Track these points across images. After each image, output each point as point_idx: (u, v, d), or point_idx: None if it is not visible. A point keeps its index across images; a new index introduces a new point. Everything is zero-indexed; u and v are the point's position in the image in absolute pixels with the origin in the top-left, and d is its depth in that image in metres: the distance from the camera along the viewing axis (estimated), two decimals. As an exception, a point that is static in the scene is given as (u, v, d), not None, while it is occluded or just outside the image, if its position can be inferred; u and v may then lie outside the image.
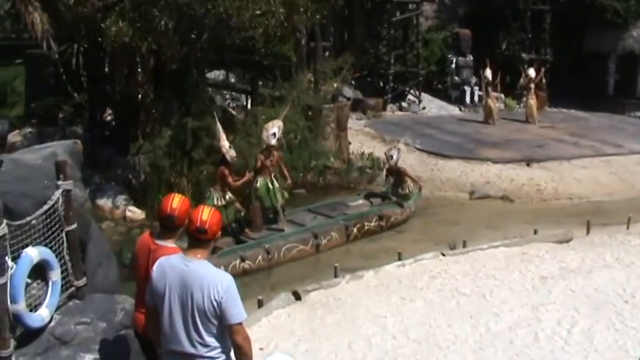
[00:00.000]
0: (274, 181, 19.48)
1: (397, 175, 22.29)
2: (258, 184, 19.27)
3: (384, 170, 23.17)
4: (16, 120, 29.50)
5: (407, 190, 22.18)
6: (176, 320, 6.51)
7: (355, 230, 20.22)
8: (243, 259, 17.50)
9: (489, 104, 34.44)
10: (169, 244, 7.52)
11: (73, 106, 29.03)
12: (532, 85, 34.89)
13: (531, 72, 35.32)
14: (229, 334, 6.50)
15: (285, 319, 13.17)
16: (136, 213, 22.37)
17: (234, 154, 18.72)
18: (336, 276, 15.57)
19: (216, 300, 6.35)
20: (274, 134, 19.32)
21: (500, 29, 41.74)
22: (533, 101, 34.90)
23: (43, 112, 28.81)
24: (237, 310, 6.44)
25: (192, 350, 6.50)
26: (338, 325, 12.73)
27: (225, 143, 18.58)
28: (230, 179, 18.43)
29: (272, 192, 19.30)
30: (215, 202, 18.11)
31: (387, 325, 12.67)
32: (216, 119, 19.37)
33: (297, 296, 14.19)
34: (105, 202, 22.74)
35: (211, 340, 6.50)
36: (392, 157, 22.09)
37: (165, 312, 6.55)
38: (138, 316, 7.76)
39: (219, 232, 6.79)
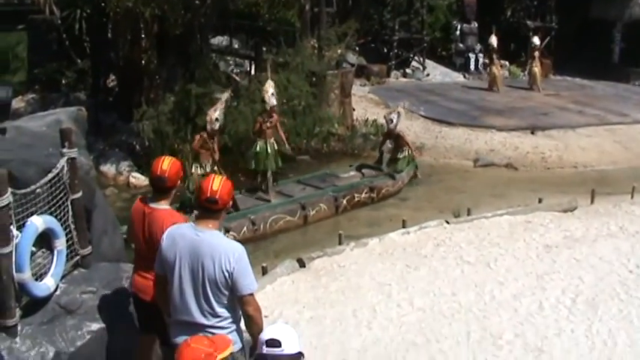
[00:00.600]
0: (274, 144, 19.48)
1: (396, 139, 22.25)
2: (258, 148, 19.29)
3: (382, 135, 23.32)
4: (19, 86, 29.43)
5: (406, 153, 22.12)
6: (186, 290, 6.47)
7: (345, 202, 19.93)
8: (227, 230, 17.04)
9: (494, 71, 34.32)
10: (163, 205, 7.55)
11: (76, 72, 29.01)
12: (536, 53, 34.68)
13: (535, 39, 35.13)
14: (240, 305, 6.47)
15: (290, 287, 13.17)
16: (139, 179, 22.34)
17: (215, 128, 18.44)
18: (340, 243, 15.59)
19: (227, 270, 6.32)
20: (273, 94, 19.37)
21: (506, -4, 41.56)
22: (537, 69, 34.73)
23: (45, 78, 28.76)
24: (248, 281, 6.40)
25: (202, 320, 6.46)
26: (342, 293, 12.73)
27: (213, 114, 18.34)
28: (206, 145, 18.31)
29: (270, 156, 19.30)
30: (194, 171, 18.20)
31: (391, 292, 12.67)
32: (229, 92, 19.29)
33: (302, 263, 14.19)
34: (108, 169, 22.74)
35: (222, 311, 6.46)
36: (392, 120, 22.09)
37: (176, 281, 6.51)
38: (136, 279, 7.79)
39: (230, 202, 6.78)
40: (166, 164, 7.48)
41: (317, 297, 12.61)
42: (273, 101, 19.37)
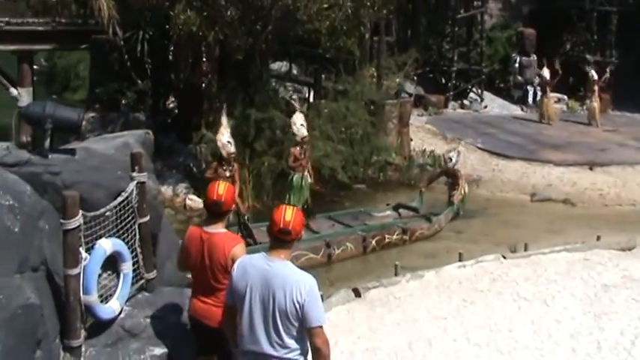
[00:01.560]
0: (307, 177, 19.12)
1: (453, 177, 21.77)
2: (294, 180, 18.97)
3: (439, 170, 23.06)
4: (79, 104, 29.72)
5: (461, 192, 21.57)
6: (256, 320, 6.48)
7: (374, 242, 19.22)
8: None
9: (545, 104, 34.22)
10: (220, 229, 7.66)
11: (136, 93, 29.27)
12: (595, 88, 34.45)
13: (593, 74, 34.93)
14: (309, 337, 6.46)
15: (345, 316, 13.12)
16: (196, 202, 22.43)
17: (232, 151, 17.93)
18: (396, 274, 15.49)
19: (298, 302, 6.32)
20: (303, 125, 19.03)
21: (565, 29, 41.34)
22: (596, 104, 34.52)
23: (106, 97, 29.03)
24: (318, 313, 6.40)
25: (270, 351, 6.46)
26: (398, 325, 12.65)
27: (222, 138, 17.98)
28: (221, 172, 17.64)
29: (303, 189, 18.93)
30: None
31: (447, 326, 12.57)
32: (224, 113, 19.09)
33: (357, 293, 14.13)
34: (165, 190, 22.84)
35: (291, 342, 6.46)
36: (451, 159, 21.73)
37: (246, 311, 6.51)
38: (196, 303, 7.84)
39: (303, 232, 6.78)
40: (222, 189, 7.63)
41: (372, 328, 12.55)
42: (304, 132, 18.96)
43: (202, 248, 7.61)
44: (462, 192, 21.58)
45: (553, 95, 35.90)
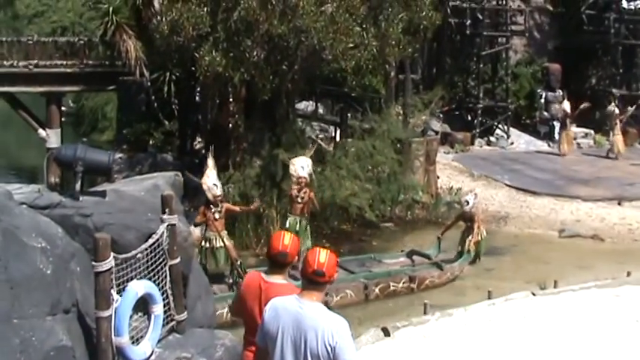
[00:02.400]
0: (305, 221, 18.86)
1: (470, 221, 20.93)
2: (288, 223, 18.80)
3: (455, 216, 22.20)
4: (107, 145, 29.95)
5: (478, 237, 20.74)
6: None
7: (377, 290, 18.80)
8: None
9: (565, 136, 34.94)
10: (281, 280, 7.53)
11: (163, 134, 29.47)
12: (617, 121, 34.58)
13: (612, 107, 35.22)
14: None
15: (374, 356, 13.05)
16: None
17: (218, 193, 18.11)
18: (425, 313, 15.41)
19: (330, 345, 6.26)
20: (302, 167, 18.84)
21: (591, 64, 41.30)
22: (619, 137, 34.66)
23: (133, 138, 29.23)
24: (350, 356, 6.32)
25: None
26: (429, 365, 12.60)
27: (208, 181, 18.08)
28: (209, 215, 18.09)
29: (300, 234, 18.11)
30: (208, 245, 18.21)
31: (478, 366, 12.51)
32: (210, 156, 19.11)
33: (387, 332, 14.05)
34: (193, 231, 22.86)
35: (322, 385, 6.41)
36: (467, 202, 21.00)
37: (277, 354, 6.47)
38: (247, 354, 7.75)
39: (336, 275, 6.72)
40: (288, 239, 7.44)
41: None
42: (302, 172, 18.77)
43: (259, 296, 7.52)
44: (480, 237, 20.81)
45: (579, 130, 36.02)
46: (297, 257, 7.65)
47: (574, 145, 36.00)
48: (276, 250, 7.40)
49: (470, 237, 20.61)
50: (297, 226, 18.61)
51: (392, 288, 19.07)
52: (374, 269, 19.89)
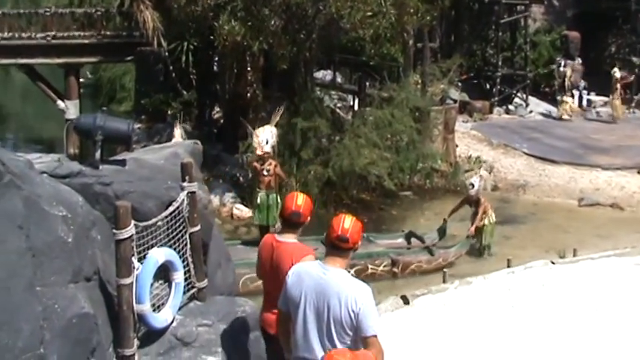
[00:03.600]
0: (276, 196, 18.32)
1: (476, 205, 19.89)
2: (258, 198, 18.39)
3: (461, 199, 20.89)
4: (125, 116, 29.93)
5: (482, 223, 19.65)
6: (310, 328, 6.46)
7: (352, 272, 15.87)
8: None
9: (615, 103, 35.05)
10: (292, 239, 7.67)
11: (181, 104, 29.46)
12: (618, 86, 35.14)
13: (617, 72, 35.38)
14: (363, 346, 6.36)
15: (394, 324, 13.07)
16: (243, 211, 22.52)
17: (266, 150, 17.99)
18: (444, 281, 15.42)
19: (353, 311, 6.27)
20: (266, 141, 18.15)
21: (610, 32, 41.03)
22: (617, 101, 35.32)
23: (151, 108, 29.24)
24: (373, 322, 6.34)
25: None
26: (447, 332, 12.59)
27: (261, 134, 18.00)
28: (258, 168, 18.14)
29: (271, 208, 18.13)
30: (258, 202, 18.14)
31: (496, 334, 12.49)
32: (277, 113, 19.06)
33: (406, 301, 14.07)
34: (212, 200, 22.90)
35: (344, 351, 6.41)
36: (472, 185, 19.92)
37: (300, 319, 6.51)
38: (266, 315, 7.86)
39: (360, 241, 6.71)
40: (301, 200, 7.71)
41: (421, 336, 12.51)
42: (266, 148, 18.22)
43: (271, 256, 7.66)
44: (488, 221, 19.80)
45: (598, 98, 36.23)
46: (309, 218, 7.75)
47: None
48: (289, 209, 7.63)
49: (483, 219, 19.72)
50: (268, 200, 18.22)
51: (370, 271, 17.92)
52: (363, 250, 18.11)
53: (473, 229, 19.55)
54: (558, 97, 36.94)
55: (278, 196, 18.17)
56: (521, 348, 11.93)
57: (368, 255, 18.14)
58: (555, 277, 15.38)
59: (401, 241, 19.86)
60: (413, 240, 19.73)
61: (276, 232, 7.98)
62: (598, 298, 14.12)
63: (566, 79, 36.23)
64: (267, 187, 18.31)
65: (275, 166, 18.46)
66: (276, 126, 18.92)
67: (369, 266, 17.98)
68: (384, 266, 18.24)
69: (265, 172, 18.26)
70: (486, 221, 19.71)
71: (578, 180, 26.07)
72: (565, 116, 35.65)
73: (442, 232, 19.99)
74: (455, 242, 19.69)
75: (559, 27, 41.26)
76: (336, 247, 6.52)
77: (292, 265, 7.07)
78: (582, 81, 38.03)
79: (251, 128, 19.53)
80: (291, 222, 7.67)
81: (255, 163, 18.55)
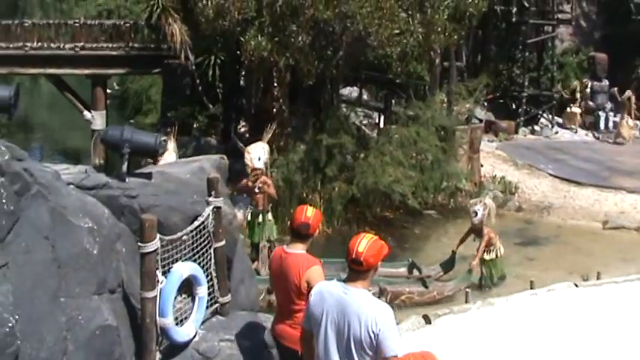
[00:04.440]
0: (267, 213, 18.26)
1: (479, 236, 18.75)
2: (250, 215, 18.33)
3: (468, 229, 19.59)
4: (151, 128, 30.07)
5: (493, 255, 18.62)
6: (331, 347, 6.45)
7: None
8: None
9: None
10: (300, 250, 7.71)
11: (207, 117, 29.58)
12: (628, 104, 35.26)
13: (629, 94, 35.58)
14: None
15: (416, 343, 13.03)
16: (267, 227, 22.51)
17: (256, 166, 17.92)
18: (467, 301, 15.38)
19: (373, 331, 6.25)
20: (258, 157, 18.01)
21: (638, 54, 40.83)
22: (625, 122, 35.35)
23: (177, 121, 29.34)
24: (393, 343, 6.30)
25: None
26: (468, 353, 12.56)
27: (252, 150, 17.96)
28: (249, 185, 18.06)
29: (261, 226, 18.09)
30: (249, 218, 18.08)
31: (519, 356, 12.45)
32: (267, 132, 18.94)
33: (428, 320, 14.04)
34: (236, 215, 22.93)
35: (364, 370, 6.40)
36: (475, 213, 18.75)
37: (321, 337, 6.50)
38: (277, 326, 7.94)
39: (379, 263, 6.58)
40: (310, 212, 7.75)
41: (443, 356, 12.46)
42: (257, 164, 18.08)
43: (280, 267, 7.71)
44: (496, 254, 18.66)
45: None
46: (318, 230, 7.86)
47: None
48: (298, 220, 7.67)
49: (490, 251, 18.65)
50: (259, 218, 18.17)
51: None
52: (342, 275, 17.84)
53: (474, 262, 18.52)
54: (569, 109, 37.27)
55: (269, 214, 18.33)
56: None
57: None
58: (578, 300, 15.30)
59: (403, 270, 19.03)
60: (415, 271, 18.89)
61: (284, 244, 7.97)
62: (621, 322, 14.04)
63: (577, 93, 36.53)
64: (259, 205, 18.24)
65: (266, 183, 18.28)
66: (269, 143, 18.87)
67: None
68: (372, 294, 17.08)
69: (257, 190, 18.17)
70: (492, 254, 18.66)
71: (602, 202, 25.92)
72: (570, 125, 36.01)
73: (451, 263, 19.28)
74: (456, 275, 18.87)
75: (586, 48, 41.17)
76: (353, 270, 6.48)
77: (300, 275, 7.32)
78: (608, 102, 37.91)
79: (242, 145, 19.50)
80: (300, 233, 7.71)
81: (247, 180, 18.37)
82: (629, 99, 35.04)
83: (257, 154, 18.11)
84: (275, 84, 25.07)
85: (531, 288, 16.08)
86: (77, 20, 32.99)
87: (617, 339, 13.23)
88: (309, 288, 7.06)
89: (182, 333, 8.03)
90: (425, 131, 24.01)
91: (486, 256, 18.57)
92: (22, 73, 33.25)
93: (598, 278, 17.20)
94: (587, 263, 19.58)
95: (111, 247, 7.73)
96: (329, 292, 6.54)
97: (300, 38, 22.09)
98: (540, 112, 37.97)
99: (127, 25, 32.31)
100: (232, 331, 8.58)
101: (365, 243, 6.42)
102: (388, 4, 21.53)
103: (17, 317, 6.24)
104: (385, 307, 6.42)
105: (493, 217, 18.78)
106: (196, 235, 8.32)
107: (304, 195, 22.13)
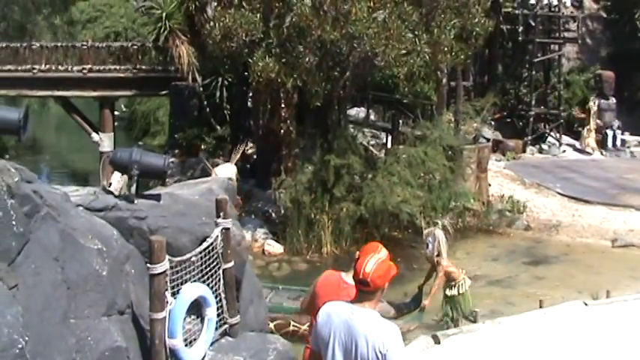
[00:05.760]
0: None
1: (433, 269, 16.76)
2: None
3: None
4: (158, 149, 30.16)
5: (455, 291, 16.50)
6: None
7: (272, 325, 14.63)
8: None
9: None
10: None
11: (215, 138, 29.64)
12: (591, 121, 36.66)
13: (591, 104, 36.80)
14: None
15: (425, 364, 13.01)
16: (274, 247, 22.56)
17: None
18: (475, 321, 15.34)
19: (380, 352, 6.20)
20: (230, 179, 16.18)
21: (644, 71, 40.93)
22: (591, 137, 36.79)
23: (185, 142, 29.44)
24: None
25: None
26: (479, 373, 12.55)
27: (220, 172, 17.86)
28: None
29: None
30: None
31: (529, 375, 12.43)
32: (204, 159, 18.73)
33: (437, 340, 14.00)
34: (244, 236, 22.96)
35: (372, 390, 6.37)
36: (427, 245, 16.72)
37: (329, 358, 6.48)
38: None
39: (386, 284, 6.46)
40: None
41: (453, 375, 12.45)
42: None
43: (338, 295, 7.44)
44: (457, 290, 16.55)
45: (633, 138, 36.24)
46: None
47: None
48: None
49: (452, 287, 16.66)
50: None
51: (292, 328, 15.86)
52: (287, 304, 17.03)
53: (427, 302, 16.50)
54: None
55: None
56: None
57: (290, 310, 16.29)
58: (588, 318, 15.24)
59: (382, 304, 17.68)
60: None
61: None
62: (632, 340, 13.99)
63: (592, 115, 36.63)
64: None
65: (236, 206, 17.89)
66: (236, 164, 18.79)
67: (292, 323, 15.94)
68: (309, 325, 14.69)
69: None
70: (454, 290, 16.58)
71: (611, 220, 25.88)
72: (588, 149, 36.28)
73: (416, 301, 16.88)
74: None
75: (593, 66, 41.24)
76: (360, 290, 6.42)
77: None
78: (616, 120, 37.92)
79: (209, 165, 19.45)
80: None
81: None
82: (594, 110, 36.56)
83: (224, 175, 18.13)
84: (282, 105, 25.17)
85: (540, 307, 16.02)
86: (85, 43, 33.21)
87: (628, 358, 13.19)
88: None
89: (191, 354, 8.01)
90: (432, 151, 24.02)
91: (448, 292, 16.67)
92: (31, 96, 33.50)
93: (608, 296, 17.12)
94: (596, 281, 19.51)
95: (120, 268, 7.73)
96: (336, 313, 6.51)
97: (307, 59, 22.13)
98: (548, 131, 38.01)
99: (135, 47, 32.54)
100: (242, 352, 8.55)
101: (372, 263, 6.33)
102: (395, 25, 21.56)
103: (27, 338, 6.23)
104: (392, 328, 6.38)
105: (444, 251, 16.68)
106: (205, 256, 8.31)
107: (312, 216, 22.15)
